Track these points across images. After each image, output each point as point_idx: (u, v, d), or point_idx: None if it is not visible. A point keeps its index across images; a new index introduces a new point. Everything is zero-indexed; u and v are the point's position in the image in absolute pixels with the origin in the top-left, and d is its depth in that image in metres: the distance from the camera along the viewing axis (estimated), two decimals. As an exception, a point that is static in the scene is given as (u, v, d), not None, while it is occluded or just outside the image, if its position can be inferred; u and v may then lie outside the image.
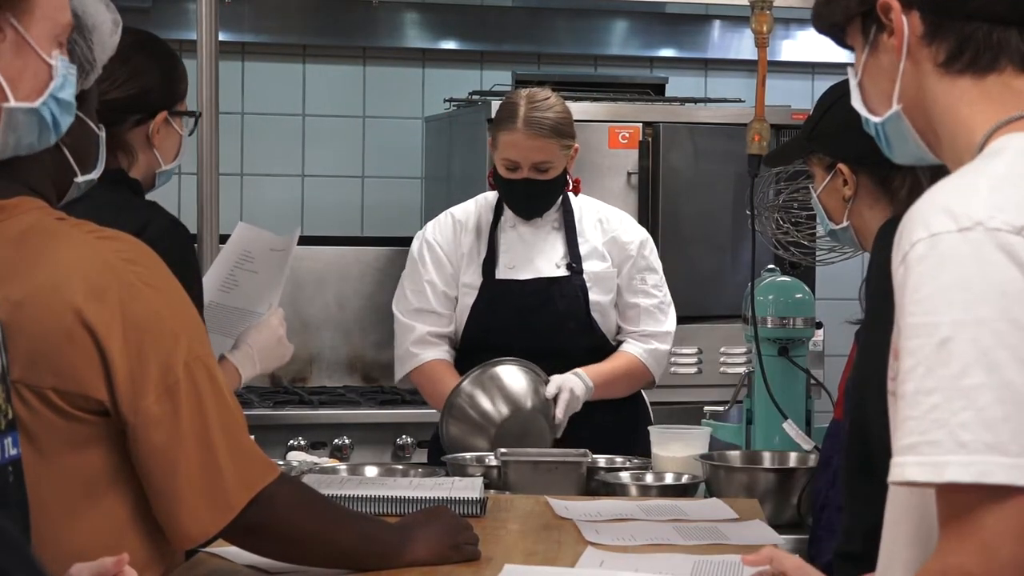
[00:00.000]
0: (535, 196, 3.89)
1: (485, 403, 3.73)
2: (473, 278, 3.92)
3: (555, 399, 3.73)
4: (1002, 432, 1.40)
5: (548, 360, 3.78)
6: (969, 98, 1.61)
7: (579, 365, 3.82)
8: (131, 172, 3.15)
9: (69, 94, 2.03)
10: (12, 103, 1.87)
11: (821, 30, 1.77)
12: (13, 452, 1.73)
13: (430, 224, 4.02)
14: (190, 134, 3.34)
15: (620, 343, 3.94)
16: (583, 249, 3.93)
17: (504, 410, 3.72)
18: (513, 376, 3.76)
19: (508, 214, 3.96)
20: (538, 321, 3.87)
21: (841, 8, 1.71)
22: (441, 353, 3.91)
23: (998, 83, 1.61)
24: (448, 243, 3.95)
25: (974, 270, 1.44)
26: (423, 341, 3.91)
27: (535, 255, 3.93)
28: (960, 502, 1.42)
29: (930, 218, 1.48)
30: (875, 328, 2.68)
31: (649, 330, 3.92)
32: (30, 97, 1.90)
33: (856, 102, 1.74)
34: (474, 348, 3.88)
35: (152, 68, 3.11)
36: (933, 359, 1.44)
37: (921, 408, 1.44)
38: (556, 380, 3.75)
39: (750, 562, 1.82)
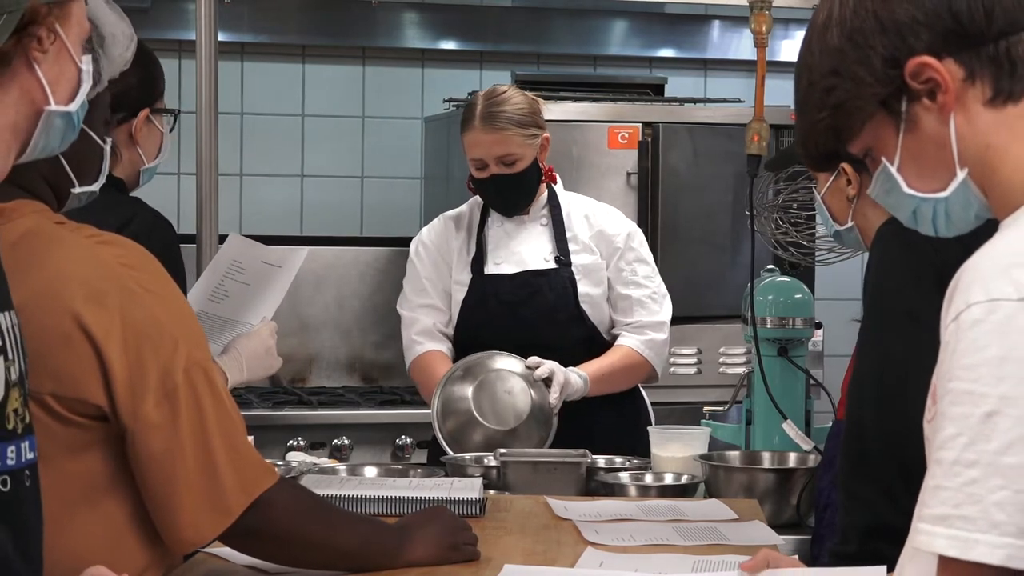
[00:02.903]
0: (507, 191, 3.90)
1: (464, 389, 3.74)
2: (463, 275, 3.95)
3: (547, 380, 3.74)
4: None
5: (540, 352, 3.79)
6: (1018, 131, 1.57)
7: (571, 357, 3.83)
8: (115, 171, 3.16)
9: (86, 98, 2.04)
10: (53, 106, 1.89)
11: (820, 158, 1.68)
12: (30, 456, 1.73)
13: (425, 228, 4.07)
14: (171, 131, 3.35)
15: (615, 337, 3.94)
16: (572, 243, 3.94)
17: (476, 385, 3.73)
18: (488, 357, 3.78)
19: (495, 213, 3.98)
20: (528, 314, 3.89)
21: (851, 118, 1.63)
22: (442, 347, 3.93)
23: None
24: (441, 242, 3.99)
25: None
26: (427, 332, 3.94)
27: (523, 250, 3.95)
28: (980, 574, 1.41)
29: (991, 281, 1.43)
30: (872, 329, 2.68)
31: (644, 321, 3.93)
32: (64, 101, 1.92)
33: (895, 196, 1.66)
34: (467, 343, 3.89)
35: (133, 67, 3.11)
36: (976, 431, 1.41)
37: (958, 480, 1.42)
38: (546, 363, 3.76)
39: (749, 568, 1.82)
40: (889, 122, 1.62)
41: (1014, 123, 1.58)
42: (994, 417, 1.40)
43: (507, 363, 3.77)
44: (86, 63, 1.95)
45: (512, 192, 3.92)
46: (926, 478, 1.47)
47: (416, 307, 3.97)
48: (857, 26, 1.61)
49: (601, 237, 3.96)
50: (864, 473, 2.58)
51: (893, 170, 1.64)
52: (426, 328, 3.95)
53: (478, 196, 4.02)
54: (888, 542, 2.06)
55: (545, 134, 3.90)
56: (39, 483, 1.76)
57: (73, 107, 1.93)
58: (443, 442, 3.73)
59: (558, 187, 4.02)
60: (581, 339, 3.89)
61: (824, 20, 1.65)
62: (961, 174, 1.60)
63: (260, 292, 3.18)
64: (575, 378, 3.78)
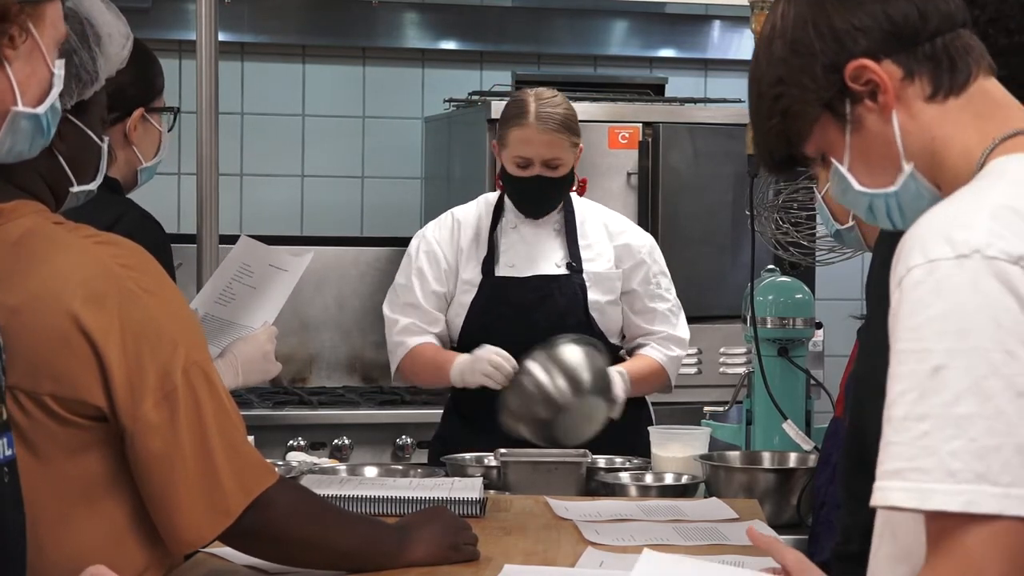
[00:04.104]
0: (545, 194, 3.89)
1: (547, 382, 3.64)
2: (472, 275, 3.92)
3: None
4: (993, 462, 1.41)
5: None
6: (962, 122, 1.64)
7: None
8: (111, 171, 3.12)
9: (59, 102, 2.03)
10: (20, 107, 1.89)
11: (778, 164, 1.76)
12: (8, 453, 1.73)
13: (431, 223, 4.03)
14: (169, 130, 3.33)
15: (636, 346, 3.94)
16: (585, 251, 3.93)
17: (567, 392, 3.62)
18: (575, 355, 3.69)
19: (509, 215, 3.96)
20: (537, 318, 3.87)
21: (799, 122, 1.70)
22: (428, 339, 3.91)
23: (978, 92, 1.65)
24: (445, 240, 3.96)
25: (970, 299, 1.45)
26: (408, 330, 3.92)
27: (536, 255, 3.93)
28: (947, 527, 1.43)
29: (928, 244, 1.49)
30: (875, 327, 2.67)
31: (668, 333, 3.94)
32: (32, 103, 1.92)
33: (850, 194, 1.73)
34: (473, 345, 3.87)
35: (127, 66, 3.10)
36: (925, 386, 1.44)
37: (910, 434, 1.44)
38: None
39: (753, 537, 1.83)
40: (835, 124, 1.69)
41: (957, 115, 1.65)
42: (942, 371, 1.43)
43: (583, 364, 3.68)
44: (59, 67, 1.95)
45: (547, 196, 3.90)
46: (881, 441, 1.50)
47: (398, 306, 3.94)
48: (798, 36, 1.69)
49: (627, 250, 3.94)
50: (866, 472, 2.58)
51: (844, 170, 1.71)
52: (405, 327, 3.92)
53: (488, 196, 4.00)
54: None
55: (581, 144, 3.91)
56: (18, 480, 1.76)
57: (41, 110, 1.93)
58: (502, 413, 3.65)
59: (572, 192, 4.01)
60: (588, 346, 3.88)
61: (768, 34, 1.73)
62: (907, 167, 1.66)
63: (264, 295, 3.17)
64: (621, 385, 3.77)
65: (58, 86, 1.96)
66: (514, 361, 3.67)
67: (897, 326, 1.49)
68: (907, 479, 1.44)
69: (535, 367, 3.64)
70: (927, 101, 1.65)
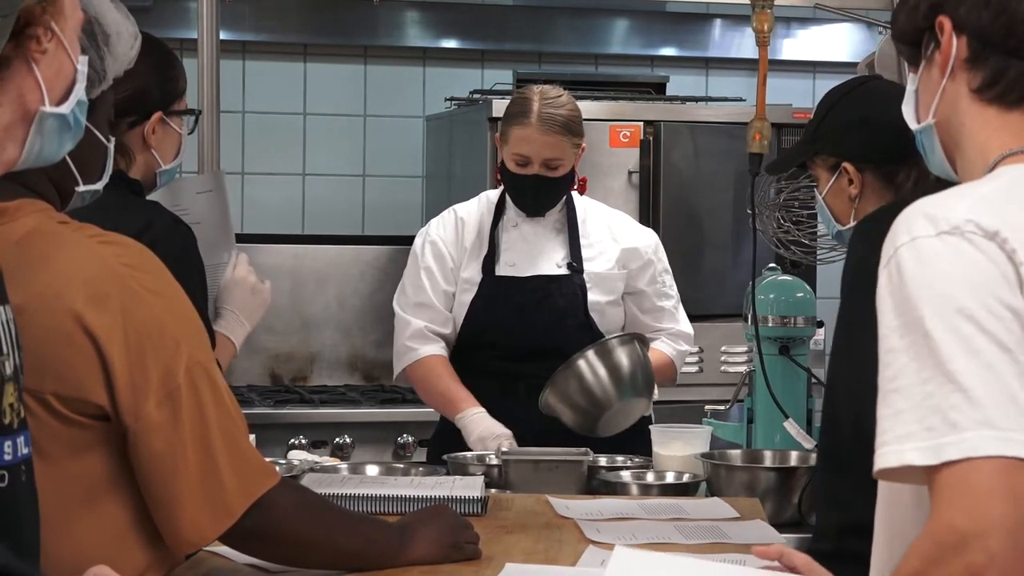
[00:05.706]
0: (543, 193, 3.88)
1: (598, 382, 3.67)
2: (473, 274, 3.92)
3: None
4: (990, 409, 1.49)
5: (546, 358, 3.77)
6: (993, 126, 1.75)
7: None
8: (130, 173, 3.13)
9: (84, 95, 2.03)
10: (47, 107, 1.88)
11: (897, 41, 1.92)
12: (25, 451, 1.74)
13: (434, 220, 4.02)
14: (190, 132, 3.32)
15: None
16: (587, 251, 3.92)
17: (614, 395, 3.66)
18: (623, 356, 3.72)
19: (510, 213, 3.95)
20: (537, 318, 3.86)
21: (911, 22, 1.84)
22: (438, 349, 3.89)
23: (1021, 120, 1.74)
24: (450, 239, 3.95)
25: (952, 267, 1.55)
26: (420, 336, 3.90)
27: (536, 254, 3.93)
28: (952, 475, 1.49)
29: (913, 224, 1.60)
30: (845, 329, 2.67)
31: (675, 329, 3.96)
32: (57, 101, 1.91)
33: (907, 107, 1.89)
34: (472, 344, 3.87)
35: (148, 69, 3.08)
36: (923, 353, 1.53)
37: (916, 398, 1.53)
38: None
39: (760, 553, 1.88)
40: (923, 47, 1.84)
41: (992, 120, 1.76)
42: (933, 334, 1.53)
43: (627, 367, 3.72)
44: (82, 64, 1.94)
45: (546, 195, 3.89)
46: (880, 409, 1.57)
47: (411, 306, 3.93)
48: None
49: (635, 253, 3.93)
50: (841, 473, 2.58)
51: (911, 87, 1.87)
52: (417, 331, 3.90)
53: (489, 194, 4.00)
54: (863, 540, 2.06)
55: (584, 143, 3.90)
56: (34, 478, 1.76)
57: (66, 108, 1.92)
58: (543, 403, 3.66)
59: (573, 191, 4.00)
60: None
61: None
62: (930, 120, 1.83)
63: (212, 225, 3.17)
64: None
65: (82, 81, 1.95)
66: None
67: (888, 303, 1.58)
68: (919, 439, 1.51)
69: (596, 363, 3.67)
70: (972, 92, 1.76)
